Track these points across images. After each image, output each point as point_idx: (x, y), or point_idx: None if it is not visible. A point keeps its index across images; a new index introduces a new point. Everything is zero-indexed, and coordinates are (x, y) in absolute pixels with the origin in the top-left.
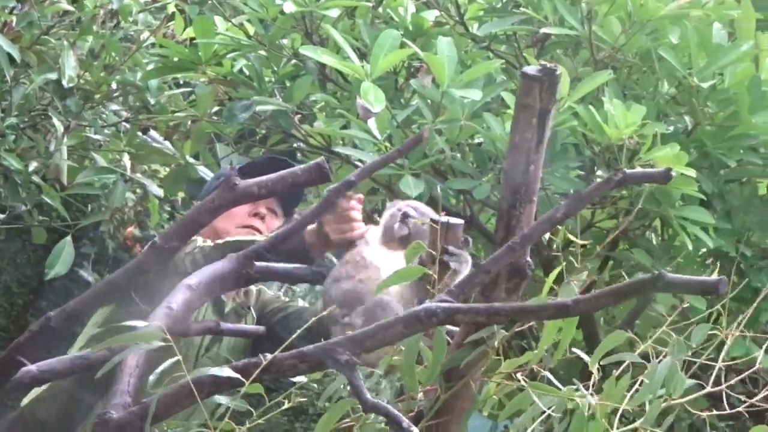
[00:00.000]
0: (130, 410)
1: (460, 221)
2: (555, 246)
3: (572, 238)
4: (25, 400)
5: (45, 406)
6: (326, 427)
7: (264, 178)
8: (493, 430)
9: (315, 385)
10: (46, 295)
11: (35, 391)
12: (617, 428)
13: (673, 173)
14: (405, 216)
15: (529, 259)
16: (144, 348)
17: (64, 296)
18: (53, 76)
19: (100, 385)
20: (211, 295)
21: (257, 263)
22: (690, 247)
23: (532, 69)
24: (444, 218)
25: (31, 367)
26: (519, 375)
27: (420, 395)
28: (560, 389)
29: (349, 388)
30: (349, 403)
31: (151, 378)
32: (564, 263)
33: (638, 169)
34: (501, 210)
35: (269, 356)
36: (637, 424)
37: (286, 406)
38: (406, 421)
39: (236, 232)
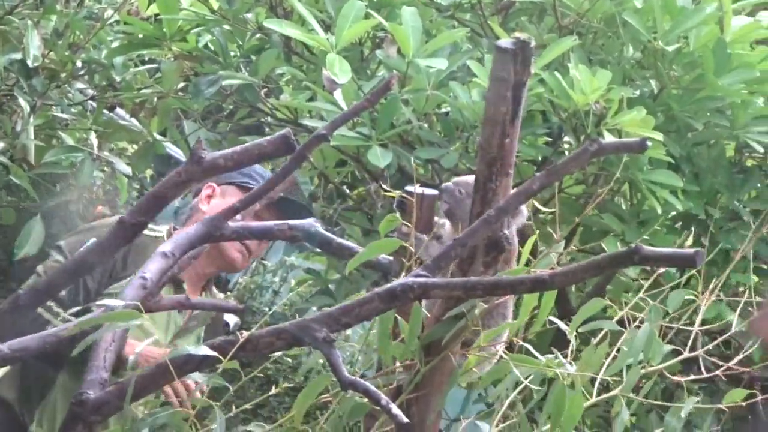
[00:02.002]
0: (107, 390)
1: (434, 191)
2: None
3: (540, 207)
4: None
5: (7, 385)
6: (304, 404)
7: (229, 150)
8: (467, 399)
9: (288, 359)
10: (17, 276)
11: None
12: (595, 396)
13: (649, 144)
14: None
15: (506, 231)
16: (121, 327)
17: None
18: (18, 56)
19: (59, 359)
20: (184, 264)
21: (232, 223)
22: (659, 211)
23: (505, 42)
24: (418, 189)
25: (2, 347)
26: (498, 347)
27: (399, 369)
28: (539, 359)
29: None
30: (326, 379)
31: (131, 358)
32: (537, 232)
33: (613, 139)
34: (477, 183)
35: (246, 333)
36: (616, 391)
37: (274, 391)
38: (384, 398)
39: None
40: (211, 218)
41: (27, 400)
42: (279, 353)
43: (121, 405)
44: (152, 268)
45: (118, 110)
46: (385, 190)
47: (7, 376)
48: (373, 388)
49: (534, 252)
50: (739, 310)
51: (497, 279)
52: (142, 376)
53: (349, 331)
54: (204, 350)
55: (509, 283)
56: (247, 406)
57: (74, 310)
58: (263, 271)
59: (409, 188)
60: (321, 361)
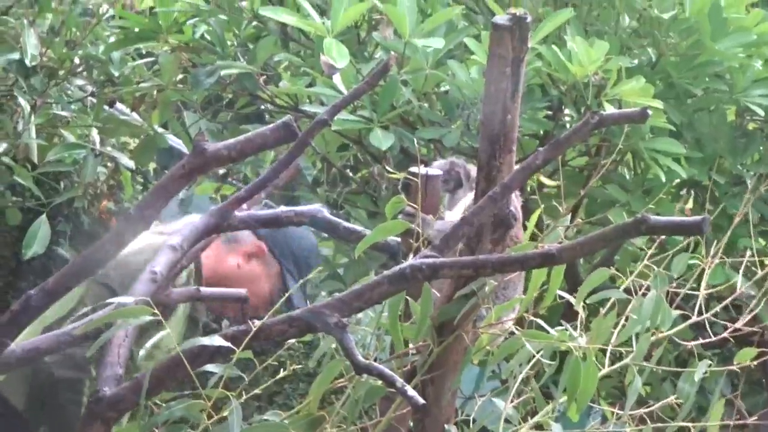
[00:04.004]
0: (123, 386)
1: (439, 172)
2: (528, 188)
3: (545, 181)
4: None
5: (14, 388)
6: (320, 390)
7: (233, 141)
8: (481, 376)
9: (300, 344)
10: (26, 276)
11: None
12: (607, 366)
13: (650, 113)
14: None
15: (512, 208)
16: (133, 324)
17: (43, 275)
18: (15, 56)
19: (67, 360)
20: (193, 256)
21: (238, 213)
22: (663, 179)
23: (502, 19)
24: (423, 170)
25: (15, 348)
26: (509, 323)
27: (413, 351)
28: (549, 333)
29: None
30: (341, 364)
31: (141, 353)
32: (542, 206)
33: (614, 111)
34: (480, 161)
35: (258, 323)
36: (627, 360)
37: (282, 374)
38: (400, 381)
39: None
40: (218, 208)
41: (36, 404)
42: (292, 340)
43: (136, 401)
44: (161, 261)
45: (119, 105)
46: (389, 172)
47: (15, 379)
48: (387, 371)
49: (540, 226)
50: (741, 270)
51: (506, 256)
52: (157, 369)
53: (359, 314)
54: (217, 341)
55: (518, 259)
56: (257, 391)
57: (86, 309)
58: None
59: (413, 169)
60: (334, 345)
